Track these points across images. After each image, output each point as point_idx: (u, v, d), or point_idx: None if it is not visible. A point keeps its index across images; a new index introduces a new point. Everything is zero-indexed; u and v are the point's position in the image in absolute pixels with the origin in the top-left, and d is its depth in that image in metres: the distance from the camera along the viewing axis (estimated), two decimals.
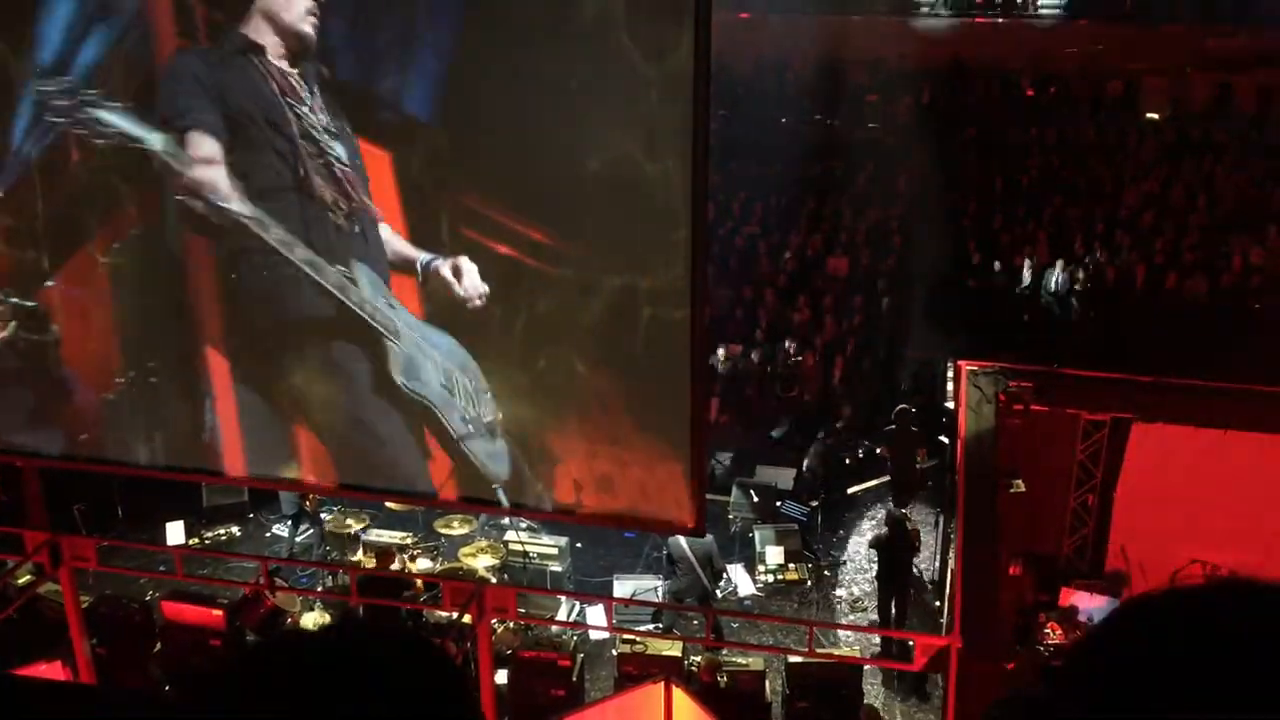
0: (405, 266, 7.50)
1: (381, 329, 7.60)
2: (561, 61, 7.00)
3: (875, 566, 11.19)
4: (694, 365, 7.43)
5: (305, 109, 7.24)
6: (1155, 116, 21.00)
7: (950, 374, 11.59)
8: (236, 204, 7.44)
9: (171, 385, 8.24)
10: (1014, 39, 22.76)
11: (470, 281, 7.36)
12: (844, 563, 11.78)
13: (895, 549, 10.40)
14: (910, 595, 10.73)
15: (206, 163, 7.45)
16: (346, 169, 7.35)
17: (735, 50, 21.32)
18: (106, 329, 8.27)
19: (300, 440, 8.15)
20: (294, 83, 7.21)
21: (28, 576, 9.27)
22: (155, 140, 7.42)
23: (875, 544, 10.72)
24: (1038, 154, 19.61)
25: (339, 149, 7.29)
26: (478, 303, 7.37)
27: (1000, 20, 23.23)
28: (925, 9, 23.08)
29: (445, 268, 7.39)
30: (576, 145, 7.16)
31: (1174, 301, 15.05)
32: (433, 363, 7.62)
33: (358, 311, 7.55)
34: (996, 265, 15.89)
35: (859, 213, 17.66)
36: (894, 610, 10.49)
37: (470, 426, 7.69)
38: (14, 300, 8.25)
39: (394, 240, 7.47)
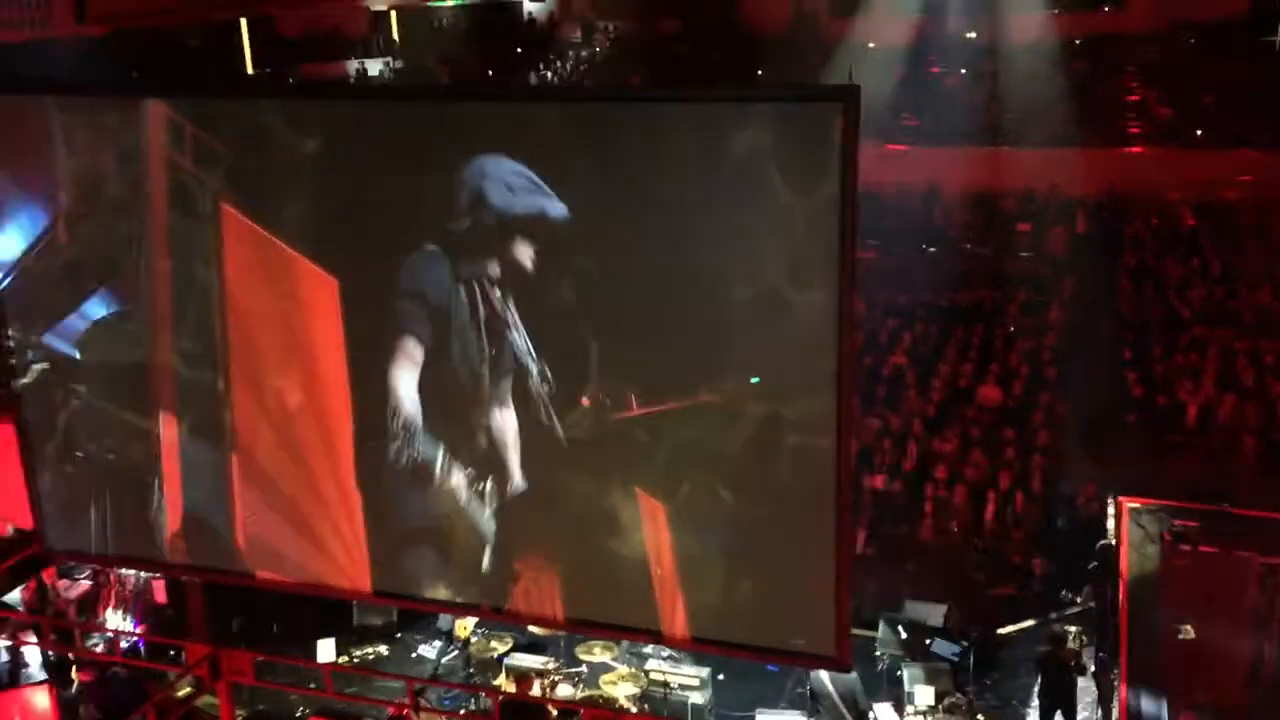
0: None
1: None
2: (712, 193, 7.20)
3: (1032, 711, 10.72)
4: (840, 496, 7.36)
5: (510, 330, 7.82)
6: None
7: (1111, 510, 11.13)
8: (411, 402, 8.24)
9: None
10: (1172, 168, 22.32)
11: None
12: (999, 707, 11.24)
13: (1059, 667, 10.17)
14: (1077, 716, 10.31)
15: (408, 360, 8.12)
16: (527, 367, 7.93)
17: (883, 180, 21.47)
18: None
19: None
20: (501, 309, 7.79)
21: (187, 689, 9.59)
22: None
23: (1038, 660, 10.46)
24: (1201, 285, 18.98)
25: (525, 353, 7.87)
26: None
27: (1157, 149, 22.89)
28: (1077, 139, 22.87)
29: None
30: (724, 275, 7.31)
31: None
32: None
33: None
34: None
35: (1011, 342, 17.32)
36: None
37: None
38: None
39: None
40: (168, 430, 8.95)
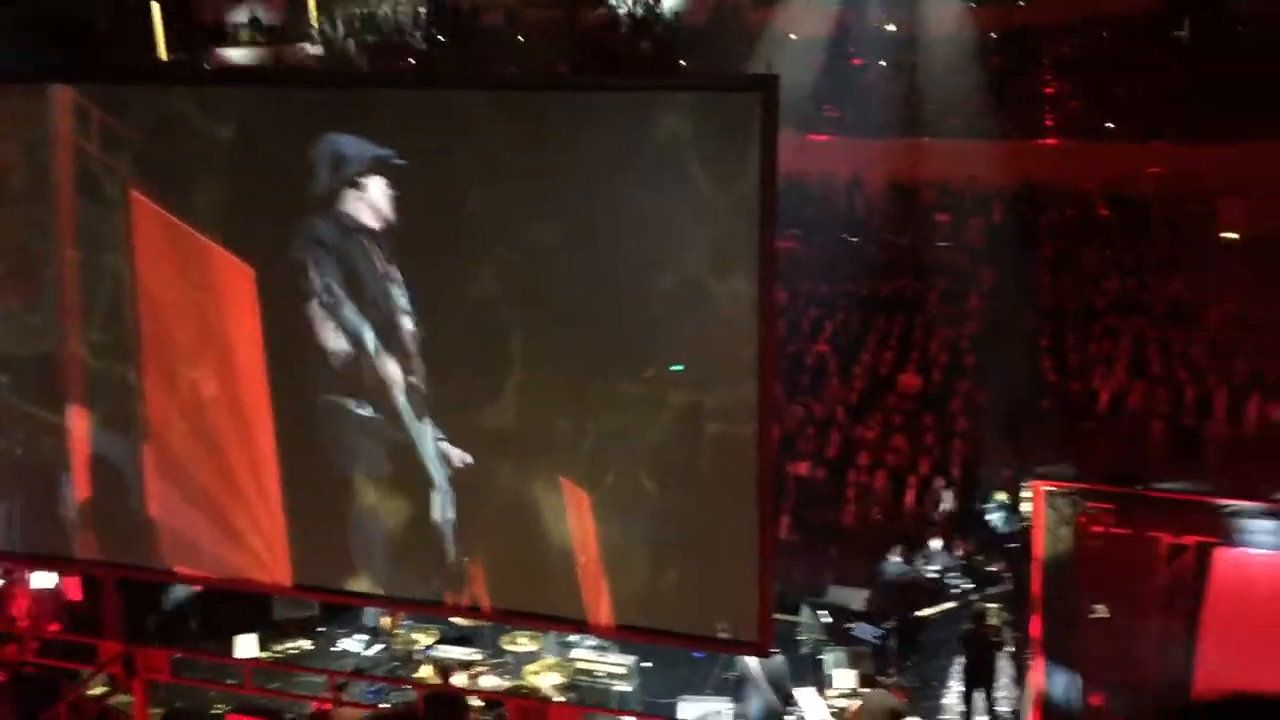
0: None
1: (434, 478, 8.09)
2: (633, 184, 7.19)
3: (950, 692, 10.94)
4: (762, 483, 7.41)
5: (396, 287, 7.75)
6: (1234, 236, 20.76)
7: (1026, 494, 11.36)
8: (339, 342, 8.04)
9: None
10: (1086, 160, 22.82)
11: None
12: (919, 687, 11.43)
13: (980, 643, 10.61)
14: (997, 692, 10.73)
15: (326, 294, 7.94)
16: (416, 338, 7.82)
17: (804, 170, 21.67)
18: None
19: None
20: (387, 266, 7.75)
21: (102, 688, 9.36)
22: None
23: (962, 638, 10.86)
24: (1114, 275, 19.47)
25: (413, 325, 7.80)
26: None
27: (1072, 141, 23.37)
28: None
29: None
30: (646, 265, 7.30)
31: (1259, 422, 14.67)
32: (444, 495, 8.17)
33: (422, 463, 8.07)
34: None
35: (930, 331, 17.62)
36: (979, 707, 10.55)
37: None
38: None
39: None
40: (78, 423, 8.71)
